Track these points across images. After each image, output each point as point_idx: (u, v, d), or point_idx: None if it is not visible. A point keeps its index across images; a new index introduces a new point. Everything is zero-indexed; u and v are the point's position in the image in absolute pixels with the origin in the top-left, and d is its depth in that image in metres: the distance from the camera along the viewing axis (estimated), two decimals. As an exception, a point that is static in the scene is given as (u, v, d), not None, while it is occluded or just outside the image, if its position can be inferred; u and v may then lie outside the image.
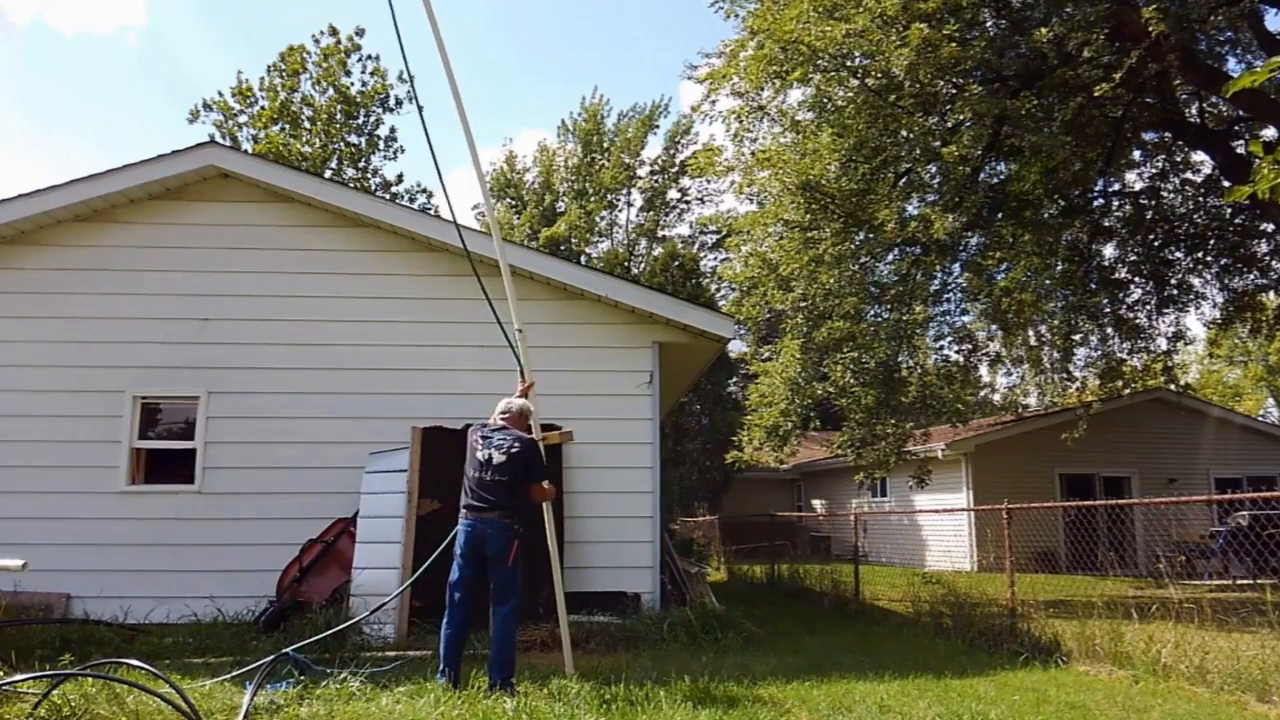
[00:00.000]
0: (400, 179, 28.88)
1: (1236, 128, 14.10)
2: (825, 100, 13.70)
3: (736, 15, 14.65)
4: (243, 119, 27.05)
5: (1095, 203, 15.03)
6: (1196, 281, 15.55)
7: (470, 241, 9.38)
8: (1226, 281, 15.47)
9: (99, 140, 69.38)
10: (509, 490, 5.73)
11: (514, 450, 5.79)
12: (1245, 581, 14.33)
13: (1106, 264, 15.63)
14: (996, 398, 31.16)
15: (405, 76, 6.22)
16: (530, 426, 6.19)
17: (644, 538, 8.78)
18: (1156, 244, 15.22)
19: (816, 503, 27.11)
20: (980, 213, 12.97)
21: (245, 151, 20.19)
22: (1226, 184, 13.69)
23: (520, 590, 5.78)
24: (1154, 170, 15.57)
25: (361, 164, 28.09)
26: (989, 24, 12.94)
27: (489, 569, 5.71)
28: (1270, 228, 14.41)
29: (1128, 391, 17.01)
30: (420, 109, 6.77)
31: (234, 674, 5.90)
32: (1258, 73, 3.68)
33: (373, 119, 28.18)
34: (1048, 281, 14.35)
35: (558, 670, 6.14)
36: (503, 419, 6.07)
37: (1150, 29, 10.30)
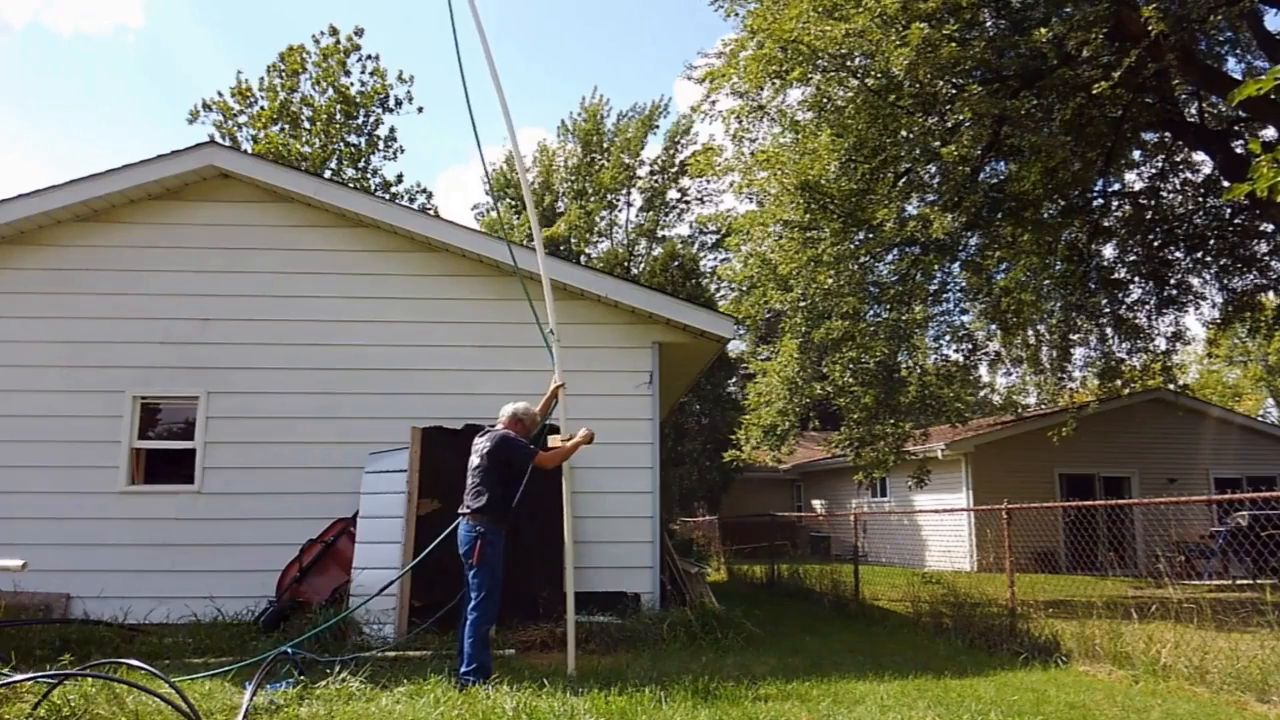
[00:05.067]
0: (400, 179, 28.84)
1: (1236, 128, 14.10)
2: (825, 100, 13.69)
3: (736, 15, 14.66)
4: (242, 119, 27.00)
5: (1095, 203, 15.03)
6: (1196, 281, 15.57)
7: (466, 239, 9.41)
8: (1226, 281, 15.47)
9: (98, 140, 69.44)
10: (479, 492, 5.99)
11: (484, 451, 6.11)
12: (1245, 581, 14.33)
13: (1106, 264, 15.64)
14: (996, 398, 31.16)
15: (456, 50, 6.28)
16: (524, 428, 6.35)
17: (644, 538, 8.78)
18: (1156, 244, 15.22)
19: (816, 503, 27.11)
20: (980, 213, 12.96)
21: (245, 151, 20.18)
22: (1226, 184, 13.69)
23: (490, 596, 5.83)
24: (1154, 170, 15.57)
25: (361, 164, 28.06)
26: (989, 24, 12.93)
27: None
28: (1270, 228, 14.41)
29: (1127, 391, 17.01)
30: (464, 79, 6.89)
31: (232, 666, 5.90)
32: (1263, 80, 3.67)
33: (372, 119, 28.14)
34: (1047, 281, 14.35)
35: (559, 670, 6.14)
36: (501, 424, 6.31)
37: (1150, 28, 10.30)
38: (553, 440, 6.57)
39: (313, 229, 9.36)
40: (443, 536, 6.54)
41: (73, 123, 68.95)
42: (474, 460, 6.12)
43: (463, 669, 5.73)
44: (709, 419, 29.48)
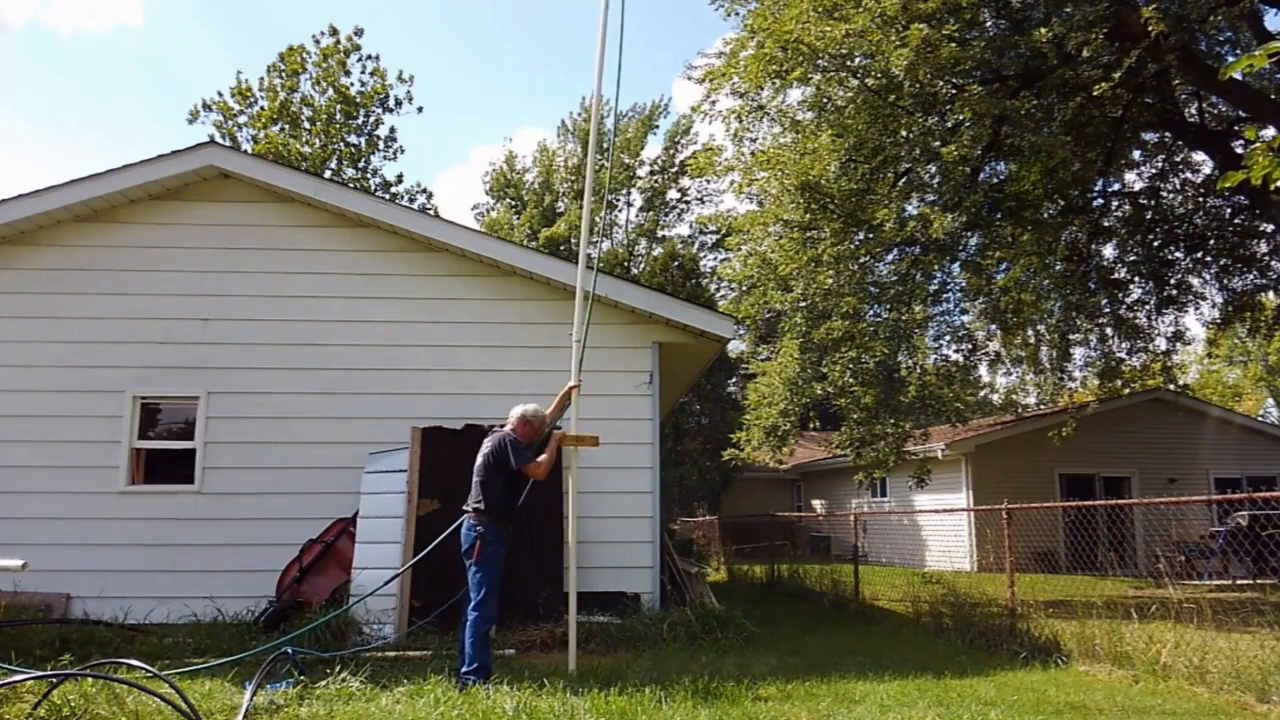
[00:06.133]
0: (400, 179, 28.88)
1: (1236, 128, 14.11)
2: (825, 100, 13.68)
3: (736, 14, 14.66)
4: (242, 119, 27.02)
5: (1095, 203, 15.03)
6: (1196, 281, 15.58)
7: (466, 240, 9.41)
8: (1226, 281, 15.48)
9: (98, 140, 69.46)
10: (479, 490, 6.08)
11: (487, 451, 6.20)
12: (1245, 581, 14.33)
13: (1106, 264, 15.64)
14: (996, 398, 31.18)
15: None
16: (532, 430, 6.40)
17: (644, 538, 8.78)
18: (1156, 244, 15.22)
19: (816, 503, 27.10)
20: (980, 213, 12.96)
21: (245, 151, 20.19)
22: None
23: (489, 597, 5.87)
24: (1154, 170, 15.57)
25: (361, 164, 28.09)
26: (989, 24, 12.93)
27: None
28: (1270, 228, 14.41)
29: (1127, 391, 17.01)
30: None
31: (225, 660, 5.91)
32: (1256, 56, 3.66)
33: (372, 119, 28.17)
34: (1047, 281, 14.34)
35: (559, 670, 6.14)
36: (509, 425, 6.39)
37: (1150, 28, 10.30)
38: (585, 439, 6.65)
39: (313, 229, 9.36)
40: (444, 536, 6.56)
41: (73, 123, 68.99)
42: (478, 460, 6.22)
43: (463, 669, 5.75)
44: (709, 419, 29.50)
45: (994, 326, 15.74)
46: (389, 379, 8.99)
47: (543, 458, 6.23)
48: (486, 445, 6.25)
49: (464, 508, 6.16)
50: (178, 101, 75.12)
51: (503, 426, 6.44)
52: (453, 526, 6.33)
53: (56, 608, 8.16)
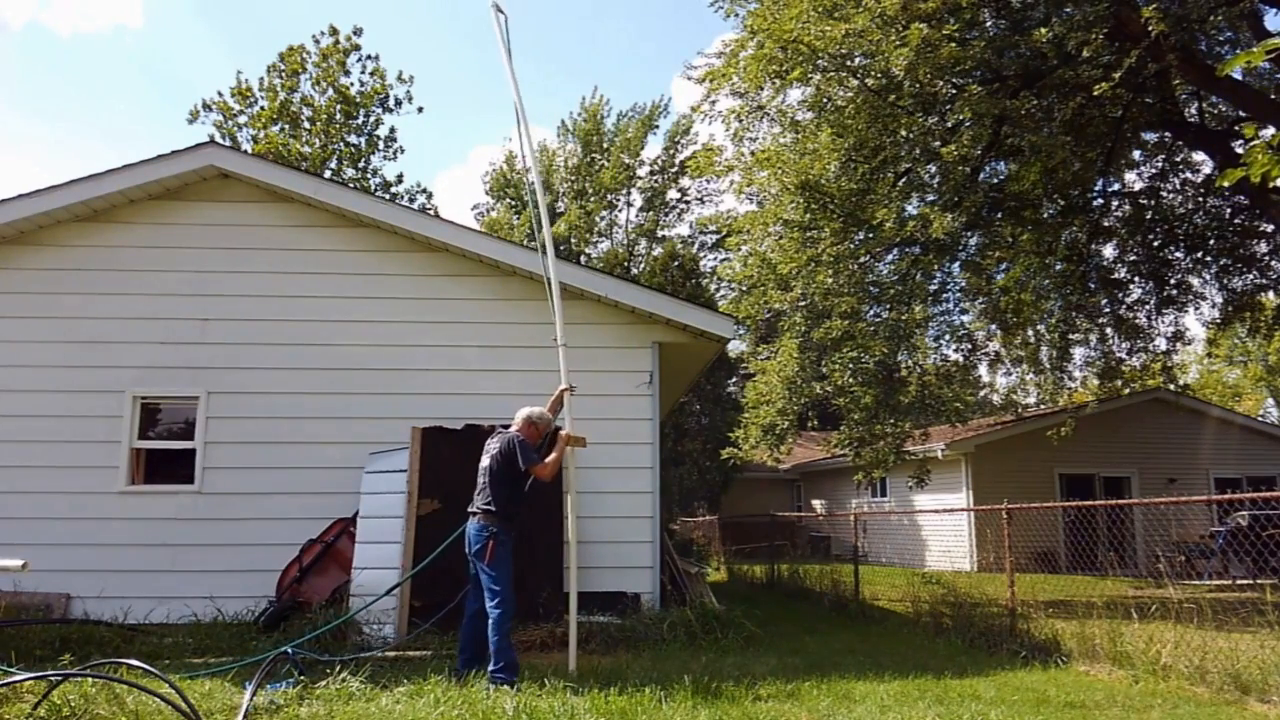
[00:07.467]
0: (400, 179, 28.88)
1: (1236, 127, 14.10)
2: (825, 100, 13.67)
3: (736, 15, 14.65)
4: (242, 119, 27.04)
5: (1095, 203, 15.03)
6: (1196, 281, 15.58)
7: (466, 240, 9.41)
8: (1226, 281, 15.47)
9: (98, 140, 69.47)
10: (488, 492, 6.07)
11: (494, 453, 6.18)
12: (1245, 581, 14.33)
13: (1106, 264, 15.64)
14: (996, 398, 31.17)
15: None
16: (537, 432, 6.43)
17: (644, 538, 8.78)
18: (1156, 244, 15.22)
19: (816, 503, 27.10)
20: (980, 212, 12.95)
21: (245, 151, 20.19)
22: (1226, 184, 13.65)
23: (506, 593, 5.87)
24: (1154, 170, 15.57)
25: (361, 164, 28.10)
26: (989, 24, 12.92)
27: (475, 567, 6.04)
28: (1270, 228, 14.41)
29: (1127, 391, 17.01)
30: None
31: (231, 665, 5.91)
32: (1254, 53, 3.66)
33: (372, 119, 28.18)
34: (1047, 281, 14.35)
35: (559, 670, 6.14)
36: (515, 426, 6.39)
37: (1150, 29, 10.30)
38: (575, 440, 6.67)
39: (313, 229, 9.36)
40: (451, 540, 6.58)
41: (72, 122, 69.00)
42: (484, 461, 6.20)
43: (491, 668, 5.71)
44: (709, 419, 29.47)
45: (994, 326, 15.73)
46: (389, 379, 8.99)
47: (551, 457, 6.24)
48: (494, 446, 6.22)
49: (470, 510, 6.13)
50: (178, 101, 75.17)
51: (506, 428, 6.44)
52: (458, 531, 6.32)
53: (56, 608, 8.16)
